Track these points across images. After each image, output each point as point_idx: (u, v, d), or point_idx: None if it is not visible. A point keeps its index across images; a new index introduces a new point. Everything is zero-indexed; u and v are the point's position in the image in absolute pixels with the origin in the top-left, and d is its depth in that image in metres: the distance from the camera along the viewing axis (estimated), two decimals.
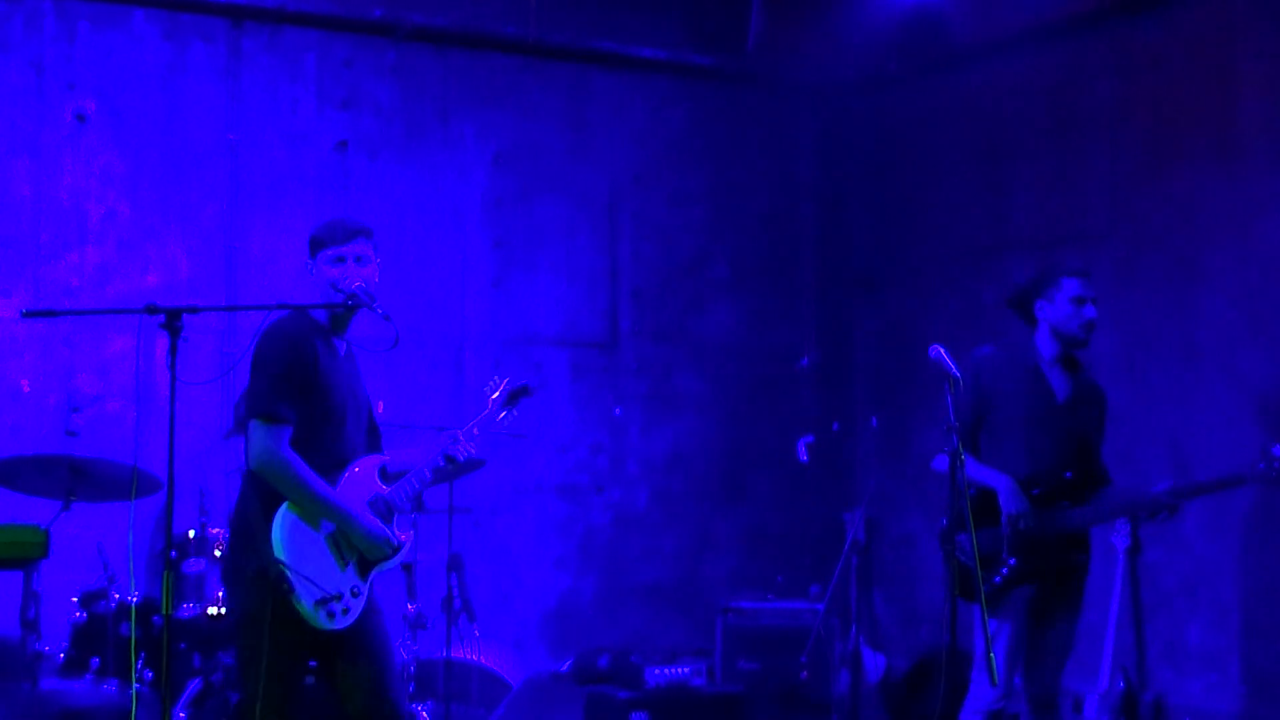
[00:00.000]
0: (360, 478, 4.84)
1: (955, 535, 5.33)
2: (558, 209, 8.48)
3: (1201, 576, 7.14)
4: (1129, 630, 6.46)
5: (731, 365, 8.87)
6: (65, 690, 6.05)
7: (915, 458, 6.43)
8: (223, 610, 6.25)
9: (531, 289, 8.38)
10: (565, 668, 7.62)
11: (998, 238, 8.23)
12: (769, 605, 7.93)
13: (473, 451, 5.02)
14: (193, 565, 6.41)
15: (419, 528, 6.17)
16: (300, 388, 4.67)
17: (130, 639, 5.75)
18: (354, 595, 4.74)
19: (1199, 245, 7.23)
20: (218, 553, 6.39)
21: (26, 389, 7.27)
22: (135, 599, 6.06)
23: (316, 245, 4.85)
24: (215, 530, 6.47)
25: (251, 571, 4.64)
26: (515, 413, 5.17)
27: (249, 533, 4.67)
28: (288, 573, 4.56)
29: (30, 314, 4.67)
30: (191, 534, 6.48)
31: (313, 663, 4.89)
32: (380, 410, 5.22)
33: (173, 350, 4.46)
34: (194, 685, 6.09)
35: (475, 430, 5.04)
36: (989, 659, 5.26)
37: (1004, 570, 5.59)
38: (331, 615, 4.66)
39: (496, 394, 5.16)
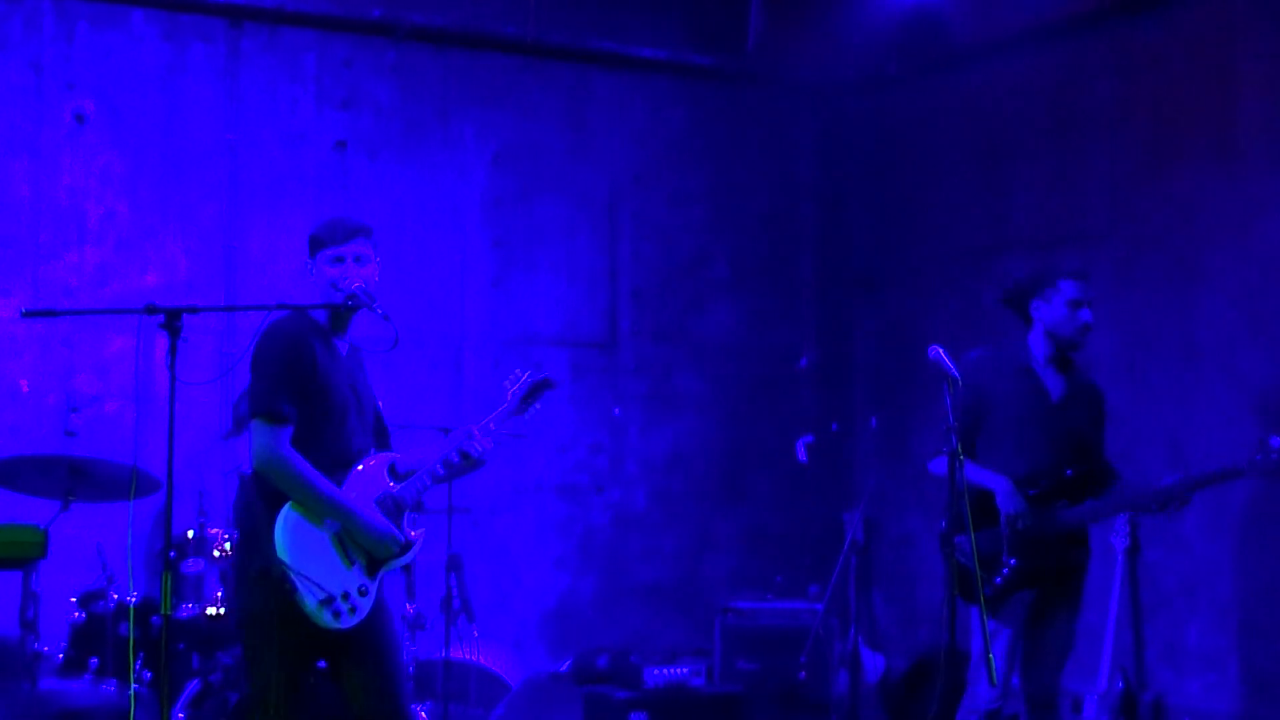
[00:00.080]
0: (368, 475, 4.82)
1: (955, 537, 5.33)
2: (557, 209, 8.48)
3: (1201, 577, 7.14)
4: (1128, 630, 6.45)
5: (731, 365, 8.86)
6: (64, 690, 6.05)
7: (914, 458, 6.42)
8: (221, 610, 6.25)
9: (531, 289, 8.38)
10: (564, 668, 7.61)
11: (998, 238, 8.23)
12: (768, 605, 7.93)
13: (489, 447, 4.91)
14: (192, 565, 6.41)
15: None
16: (300, 387, 4.66)
17: (129, 639, 5.73)
18: (361, 594, 4.71)
19: (1199, 245, 7.22)
20: (217, 553, 6.39)
21: (25, 389, 7.27)
22: (134, 599, 6.06)
23: (316, 244, 4.83)
24: (214, 530, 6.47)
25: (255, 571, 4.64)
26: (538, 406, 5.02)
27: (254, 533, 4.67)
28: (290, 573, 4.56)
29: (29, 314, 4.66)
30: (190, 534, 6.48)
31: (322, 664, 4.87)
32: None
33: (172, 350, 4.46)
34: (193, 686, 6.08)
35: (492, 425, 4.94)
36: (988, 659, 5.26)
37: (1005, 571, 5.59)
38: (337, 615, 4.64)
39: (516, 388, 4.99)
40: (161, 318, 4.48)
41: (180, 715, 6.00)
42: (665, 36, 8.67)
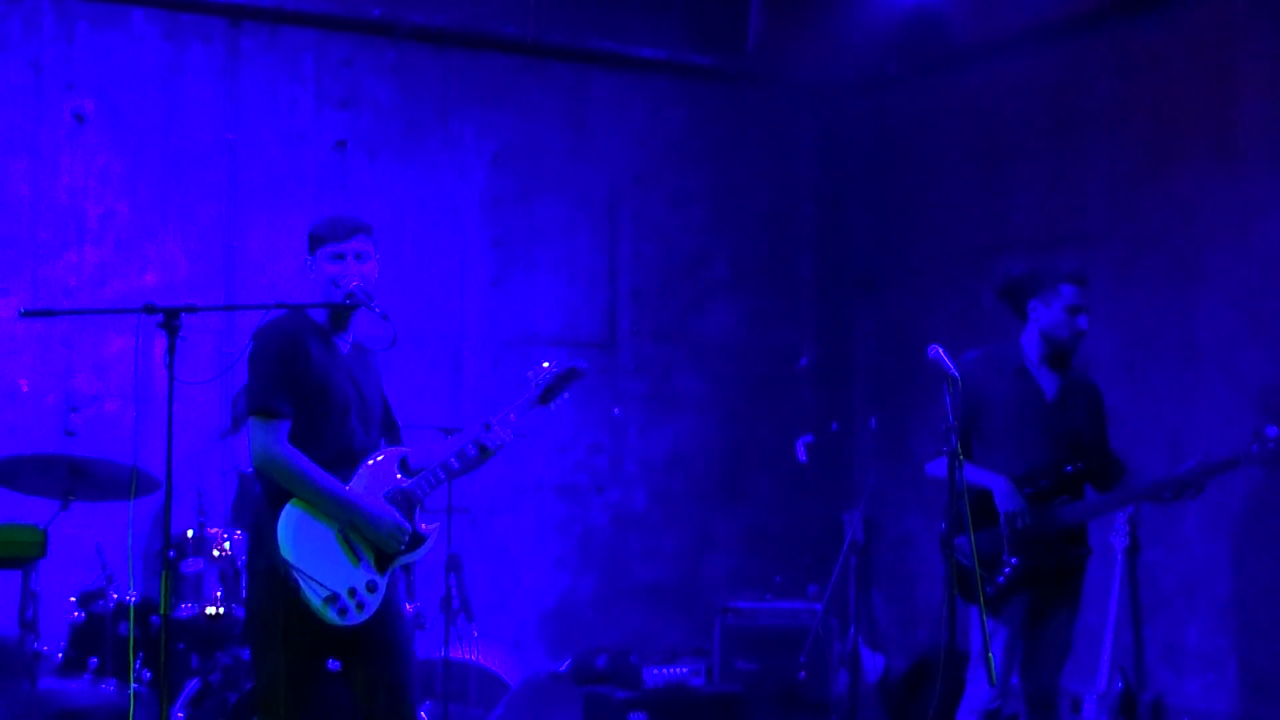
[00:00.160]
0: (377, 470, 4.80)
1: (955, 538, 5.33)
2: (557, 209, 8.48)
3: (1200, 577, 7.14)
4: (1127, 630, 6.45)
5: (731, 365, 8.86)
6: (63, 690, 6.04)
7: (914, 458, 6.42)
8: (221, 610, 6.25)
9: (531, 289, 8.38)
10: (564, 668, 7.61)
11: (998, 238, 8.23)
12: (767, 605, 7.93)
13: (508, 438, 4.86)
14: (191, 565, 6.40)
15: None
16: (295, 384, 4.65)
17: (128, 639, 5.73)
18: (370, 590, 4.68)
19: (1199, 245, 7.22)
20: (216, 553, 6.38)
21: (25, 389, 7.27)
22: (133, 599, 6.05)
23: (316, 242, 4.83)
24: (214, 530, 6.46)
25: (262, 569, 4.64)
26: (566, 395, 4.96)
27: (260, 531, 4.67)
28: (292, 571, 4.55)
29: (28, 314, 4.66)
30: (190, 534, 6.47)
31: (333, 664, 4.85)
32: None
33: (170, 350, 4.46)
34: (192, 685, 6.08)
35: (512, 416, 4.89)
36: (987, 658, 5.26)
37: (1007, 570, 5.59)
38: (343, 612, 4.61)
39: (540, 378, 4.94)
40: (160, 317, 4.49)
41: (179, 715, 5.99)
42: (665, 36, 8.66)
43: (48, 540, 6.10)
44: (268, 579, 4.61)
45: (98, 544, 6.37)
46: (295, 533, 4.61)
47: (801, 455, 8.30)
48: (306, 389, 4.67)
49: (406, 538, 4.76)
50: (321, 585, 4.58)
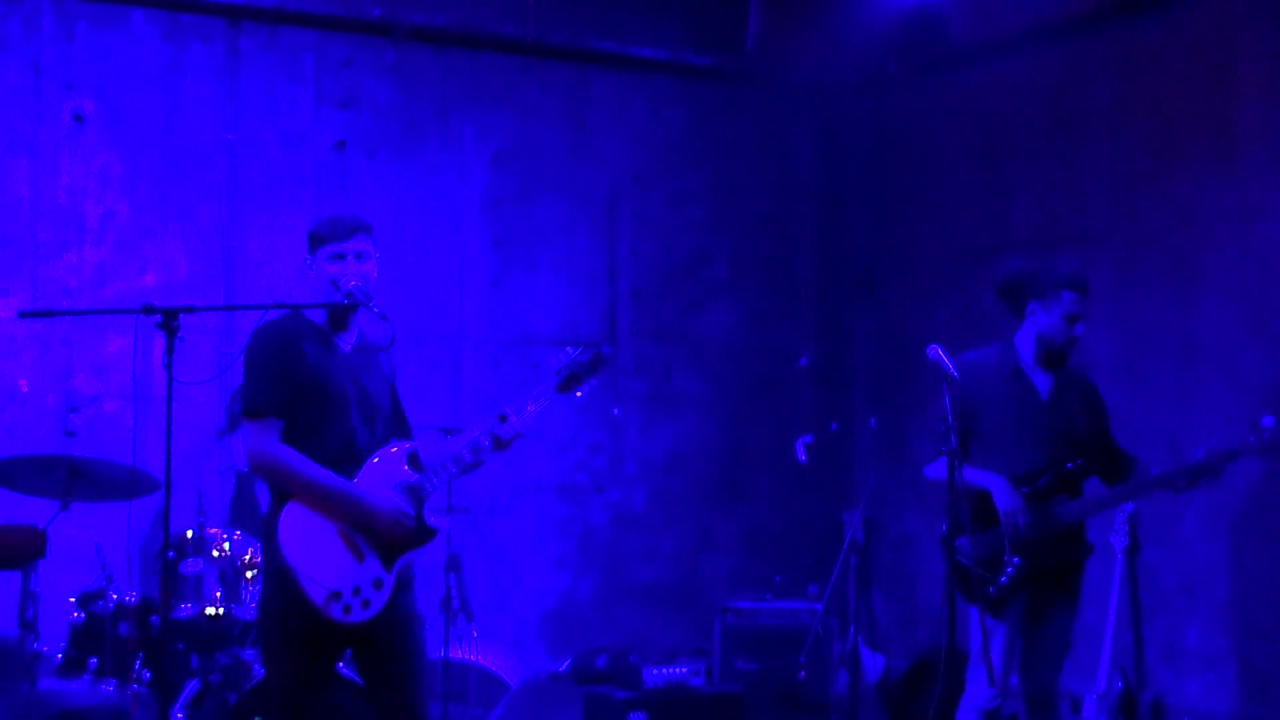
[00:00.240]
0: (384, 465, 4.77)
1: (955, 539, 5.33)
2: (557, 209, 8.48)
3: (1200, 576, 7.13)
4: (1127, 630, 6.45)
5: (731, 365, 8.86)
6: (63, 690, 6.03)
7: (914, 458, 6.41)
8: (220, 610, 6.25)
9: (530, 289, 8.38)
10: (563, 668, 7.61)
11: (998, 238, 8.23)
12: (767, 605, 7.93)
13: (522, 431, 4.82)
14: (190, 565, 6.39)
15: None
16: (288, 384, 4.64)
17: (128, 639, 5.73)
18: (376, 586, 4.65)
19: (1199, 245, 7.22)
20: (215, 553, 6.37)
21: (24, 389, 7.27)
22: (133, 599, 6.05)
23: (316, 241, 4.82)
24: (213, 530, 6.45)
25: (269, 568, 4.65)
26: (594, 383, 4.89)
27: (266, 530, 4.68)
28: (291, 571, 4.55)
29: (27, 314, 4.68)
30: (189, 534, 6.46)
31: (342, 667, 4.84)
32: None
33: (169, 350, 4.46)
34: (192, 686, 6.07)
35: (530, 406, 4.85)
36: (986, 658, 5.25)
37: (1009, 570, 5.58)
38: (347, 609, 4.59)
39: (561, 367, 4.88)
40: (159, 317, 4.49)
41: (179, 715, 5.99)
42: (665, 36, 8.66)
43: (47, 540, 6.10)
44: (276, 577, 4.61)
45: (97, 544, 6.37)
46: (294, 532, 4.61)
47: (801, 455, 8.30)
48: (304, 389, 4.66)
49: (411, 524, 4.71)
50: (320, 584, 4.57)
